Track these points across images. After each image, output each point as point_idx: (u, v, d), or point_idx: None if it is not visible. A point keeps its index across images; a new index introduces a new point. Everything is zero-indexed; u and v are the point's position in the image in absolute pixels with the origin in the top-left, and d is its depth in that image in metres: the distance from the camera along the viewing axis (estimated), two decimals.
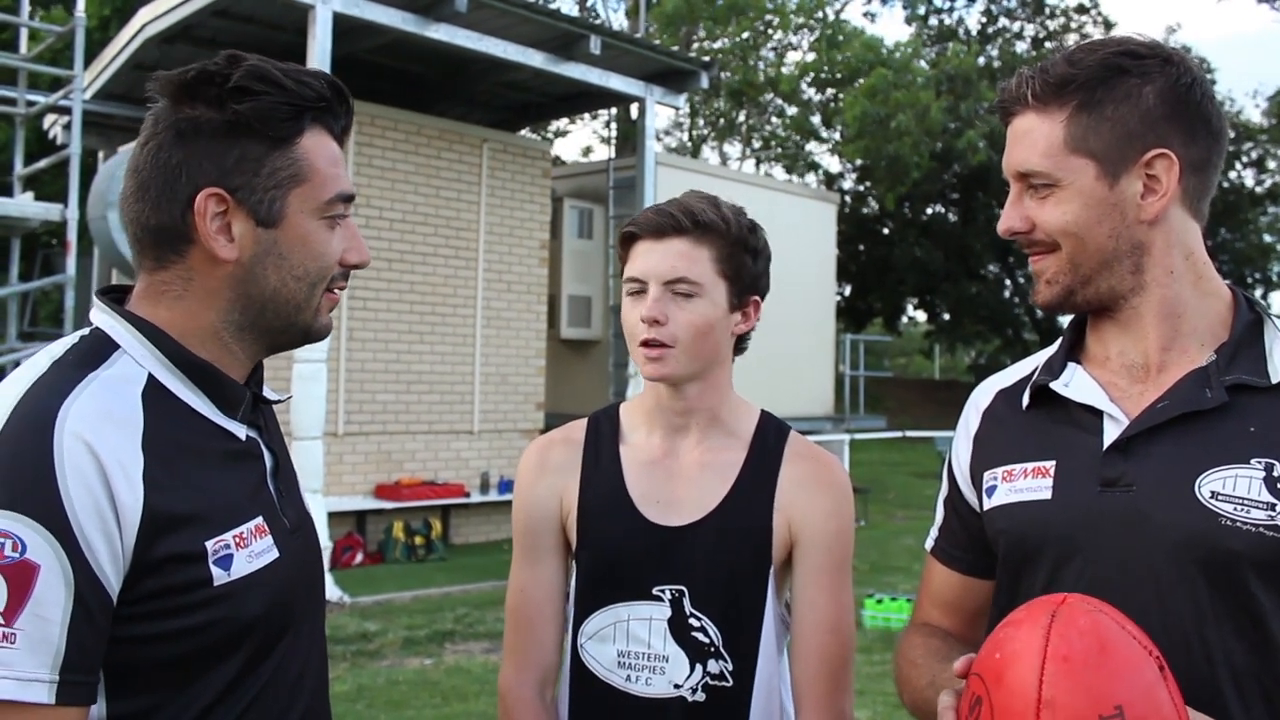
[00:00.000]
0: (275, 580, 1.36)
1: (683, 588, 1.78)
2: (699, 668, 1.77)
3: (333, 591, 8.29)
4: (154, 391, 1.31)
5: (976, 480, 1.63)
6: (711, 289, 1.79)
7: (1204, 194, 1.50)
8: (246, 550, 1.32)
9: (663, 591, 1.78)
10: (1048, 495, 1.49)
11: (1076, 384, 1.53)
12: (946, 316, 32.58)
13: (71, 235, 9.29)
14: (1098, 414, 1.49)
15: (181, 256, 1.35)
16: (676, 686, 1.77)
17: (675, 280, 1.77)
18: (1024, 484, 1.53)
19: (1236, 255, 32.72)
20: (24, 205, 9.61)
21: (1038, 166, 1.45)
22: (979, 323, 31.32)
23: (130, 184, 1.36)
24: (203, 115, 1.32)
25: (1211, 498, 1.37)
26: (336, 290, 1.45)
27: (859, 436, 14.49)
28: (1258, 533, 1.34)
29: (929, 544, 1.77)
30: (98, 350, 1.31)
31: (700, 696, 1.76)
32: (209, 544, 1.28)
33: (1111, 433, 1.46)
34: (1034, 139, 1.46)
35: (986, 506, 1.59)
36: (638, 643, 1.79)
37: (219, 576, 1.28)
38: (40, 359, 1.30)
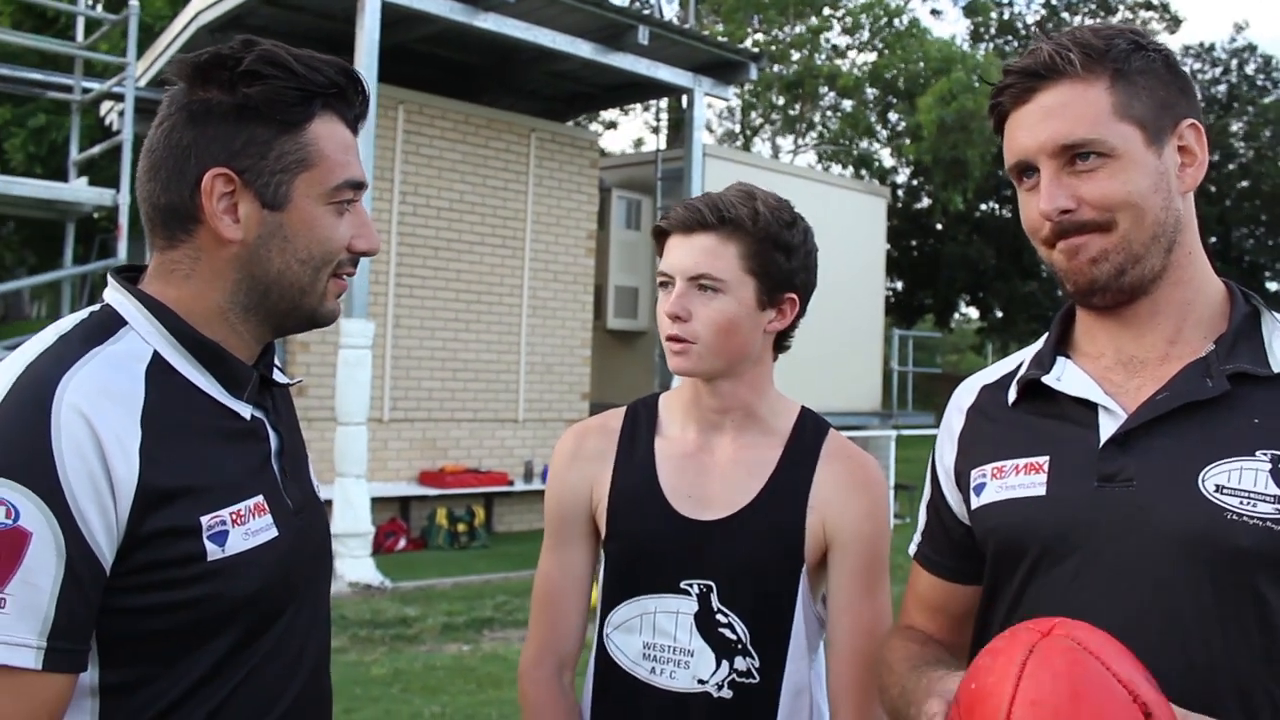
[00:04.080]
0: (273, 559, 1.37)
1: (711, 583, 1.76)
2: (725, 664, 1.75)
3: (374, 576, 8.36)
4: (158, 368, 1.32)
5: (962, 481, 1.57)
6: (737, 286, 1.77)
7: None
8: (243, 528, 1.33)
9: (690, 586, 1.77)
10: (1041, 491, 1.42)
11: (1068, 377, 1.46)
12: (999, 314, 32.26)
13: (123, 220, 9.39)
14: (1092, 408, 1.42)
15: (190, 235, 1.37)
16: (701, 682, 1.75)
17: (698, 276, 1.76)
18: (1015, 480, 1.46)
19: None
20: (78, 190, 9.74)
21: (1090, 134, 1.35)
22: (1032, 320, 30.99)
23: (144, 164, 1.38)
24: (214, 98, 1.34)
25: (1216, 491, 1.29)
26: (344, 276, 1.46)
27: (906, 433, 14.35)
28: (1265, 527, 1.26)
29: (912, 549, 1.71)
30: (105, 326, 1.33)
31: (726, 693, 1.74)
32: (204, 519, 1.29)
33: (1108, 426, 1.40)
34: (1077, 109, 1.37)
35: (974, 505, 1.52)
36: (664, 635, 1.77)
37: (213, 552, 1.29)
38: (48, 333, 1.32)
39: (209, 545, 1.29)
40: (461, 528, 10.54)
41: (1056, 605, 1.32)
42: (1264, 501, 1.27)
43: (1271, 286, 32.60)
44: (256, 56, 1.34)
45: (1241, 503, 1.28)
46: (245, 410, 1.41)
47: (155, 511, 1.24)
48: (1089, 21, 29.89)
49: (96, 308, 1.38)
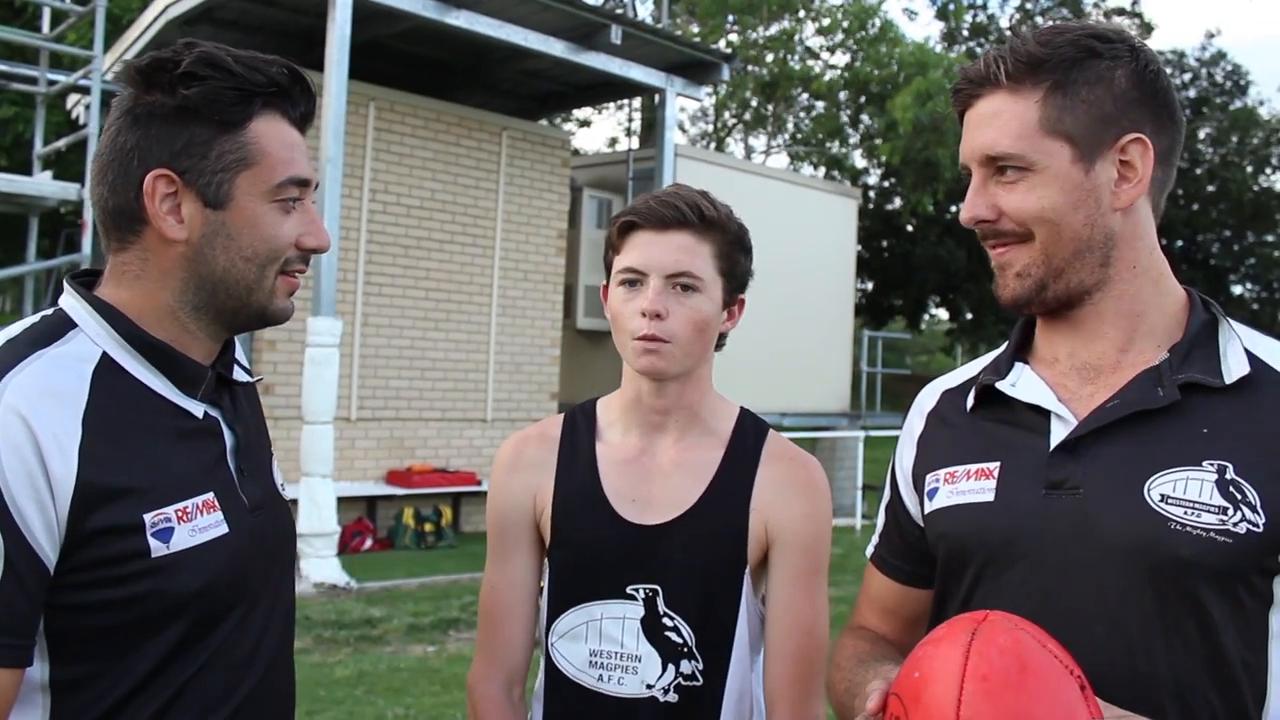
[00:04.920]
0: (221, 555, 1.39)
1: (656, 587, 1.75)
2: (671, 668, 1.75)
3: (339, 576, 8.30)
4: (106, 369, 1.34)
5: (918, 484, 1.58)
6: (711, 285, 1.77)
7: (1166, 188, 1.44)
8: (189, 524, 1.35)
9: (636, 590, 1.76)
10: (990, 498, 1.43)
11: (1024, 384, 1.47)
12: (969, 315, 32.43)
13: (88, 214, 9.30)
14: (1045, 414, 1.43)
15: (138, 237, 1.40)
16: (649, 687, 1.74)
17: (679, 274, 1.74)
18: (966, 486, 1.47)
19: (1263, 260, 32.45)
20: (41, 184, 9.65)
21: (1010, 149, 1.37)
22: (1001, 322, 31.15)
23: (93, 168, 1.42)
24: (156, 101, 1.37)
25: (1161, 501, 1.30)
26: (296, 275, 1.48)
27: (874, 433, 14.40)
28: (1208, 538, 1.28)
29: (869, 551, 1.72)
30: (54, 329, 1.36)
31: (672, 697, 1.74)
32: (147, 517, 1.31)
33: (1059, 433, 1.40)
34: (1004, 120, 1.38)
35: (928, 510, 1.53)
36: (610, 642, 1.77)
37: (157, 549, 1.31)
38: None
39: (153, 542, 1.31)
40: (428, 528, 10.49)
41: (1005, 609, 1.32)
42: (1208, 512, 1.28)
43: (1236, 290, 32.96)
44: (195, 58, 1.37)
45: (1185, 513, 1.29)
46: (198, 409, 1.43)
47: (97, 509, 1.27)
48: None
49: (49, 311, 1.40)
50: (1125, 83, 1.38)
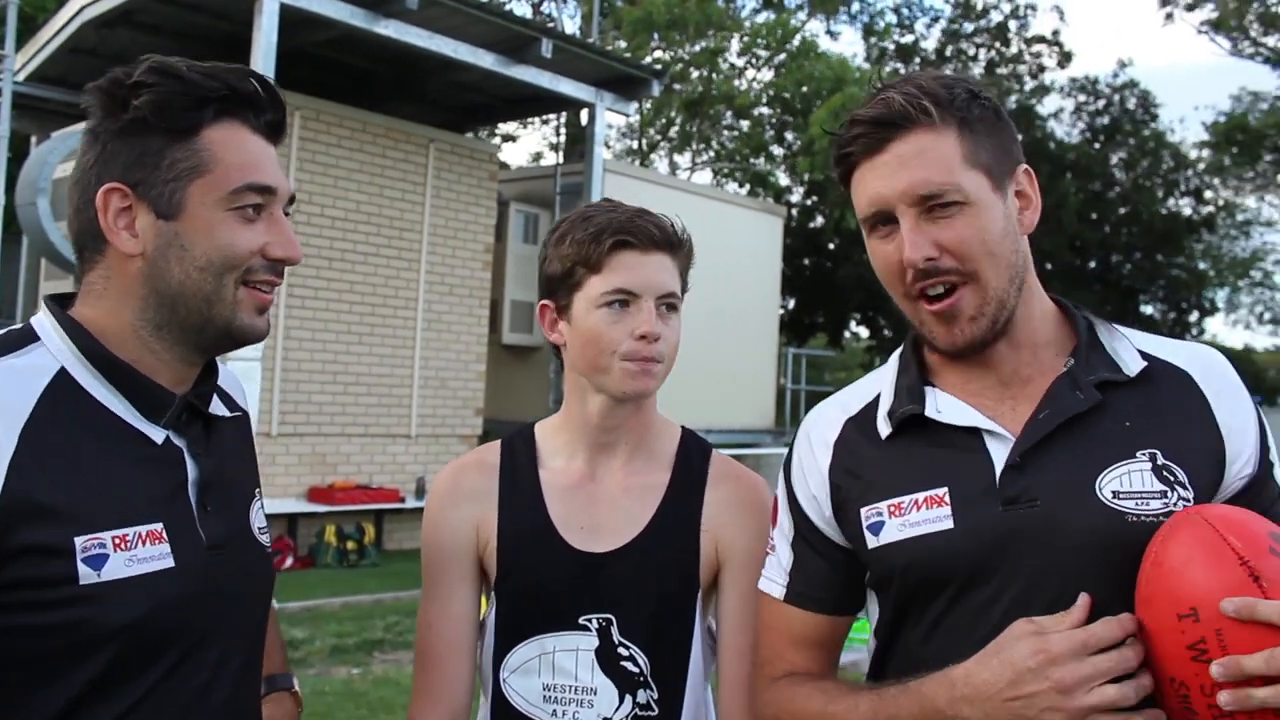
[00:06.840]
0: (162, 590, 1.31)
1: (610, 616, 1.71)
2: (629, 699, 1.70)
3: None
4: (61, 385, 1.31)
5: (847, 519, 1.53)
6: (680, 305, 1.78)
7: None
8: (128, 553, 1.28)
9: (590, 621, 1.71)
10: (949, 525, 1.43)
11: (947, 408, 1.49)
12: (889, 333, 32.84)
13: None
14: (975, 433, 1.45)
15: (101, 255, 1.38)
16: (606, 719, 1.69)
17: (666, 295, 1.73)
18: (918, 516, 1.45)
19: (1172, 282, 33.39)
20: None
21: (948, 182, 1.40)
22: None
23: (66, 192, 1.43)
24: (113, 118, 1.36)
25: (1114, 497, 1.37)
26: (264, 289, 1.43)
27: None
28: (1158, 523, 1.34)
29: (778, 591, 1.61)
30: (17, 341, 1.34)
31: None
32: (79, 540, 1.24)
33: (997, 449, 1.43)
34: (931, 158, 1.41)
35: (873, 545, 1.49)
36: (564, 675, 1.71)
37: (86, 576, 1.24)
38: None
39: (82, 568, 1.24)
40: (351, 545, 10.28)
41: (979, 626, 1.37)
42: (1153, 499, 1.37)
43: (1147, 310, 33.85)
44: (145, 68, 1.35)
45: (1136, 504, 1.36)
46: (158, 434, 1.37)
47: (20, 526, 1.21)
48: (983, 52, 30.82)
49: (18, 325, 1.39)
50: (998, 121, 1.46)
